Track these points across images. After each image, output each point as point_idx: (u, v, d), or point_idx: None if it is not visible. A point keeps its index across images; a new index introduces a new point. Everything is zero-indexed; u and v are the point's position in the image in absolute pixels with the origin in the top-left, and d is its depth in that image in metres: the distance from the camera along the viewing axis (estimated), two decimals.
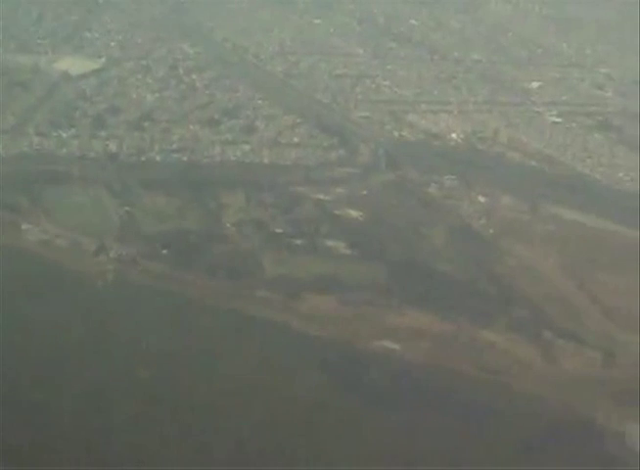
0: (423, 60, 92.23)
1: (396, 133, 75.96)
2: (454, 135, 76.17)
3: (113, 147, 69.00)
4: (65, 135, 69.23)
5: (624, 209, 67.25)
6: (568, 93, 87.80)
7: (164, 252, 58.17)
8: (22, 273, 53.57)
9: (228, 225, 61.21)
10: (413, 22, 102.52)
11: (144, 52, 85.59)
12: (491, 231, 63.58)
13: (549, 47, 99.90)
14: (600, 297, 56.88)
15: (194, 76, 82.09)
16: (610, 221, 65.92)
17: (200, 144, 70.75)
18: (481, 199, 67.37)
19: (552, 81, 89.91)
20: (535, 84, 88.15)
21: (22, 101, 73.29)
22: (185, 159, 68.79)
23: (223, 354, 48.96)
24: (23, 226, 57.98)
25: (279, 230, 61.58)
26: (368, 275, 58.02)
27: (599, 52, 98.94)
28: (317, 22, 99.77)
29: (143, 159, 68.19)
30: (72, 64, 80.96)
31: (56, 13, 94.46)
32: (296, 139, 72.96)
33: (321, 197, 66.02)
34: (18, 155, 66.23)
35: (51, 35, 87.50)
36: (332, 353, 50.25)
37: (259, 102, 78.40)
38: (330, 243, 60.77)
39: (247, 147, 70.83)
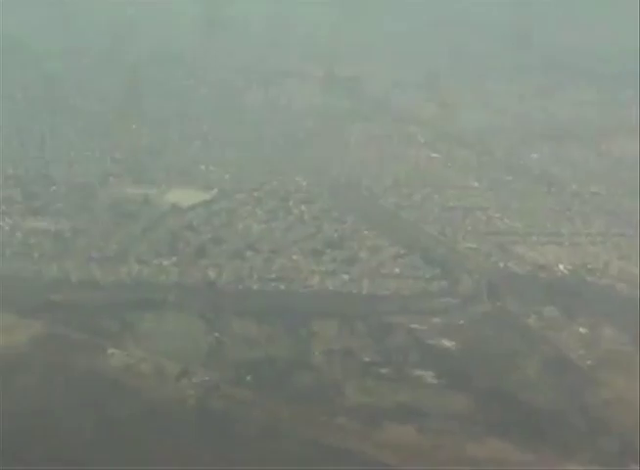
0: (539, 192, 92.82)
1: (502, 264, 76.22)
2: (561, 266, 75.95)
3: (211, 275, 71.44)
4: (165, 263, 72.35)
5: None
6: None
7: (248, 378, 59.67)
8: (101, 397, 55.99)
9: (316, 353, 62.40)
10: (534, 155, 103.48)
11: (257, 184, 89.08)
12: (589, 362, 62.81)
13: None
14: None
15: (303, 208, 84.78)
16: None
17: (299, 274, 72.56)
18: (582, 330, 66.74)
19: None
20: None
21: (127, 231, 77.33)
22: (282, 288, 70.53)
23: None
24: (110, 350, 60.66)
25: (367, 359, 62.39)
26: (453, 405, 58.15)
27: None
28: (435, 155, 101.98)
29: (240, 287, 70.30)
30: (183, 195, 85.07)
31: (175, 147, 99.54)
32: (397, 270, 74.11)
33: (415, 326, 66.76)
34: (115, 282, 69.60)
35: (167, 168, 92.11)
36: None
37: (366, 233, 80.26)
38: (418, 372, 61.29)
39: (346, 277, 72.25)
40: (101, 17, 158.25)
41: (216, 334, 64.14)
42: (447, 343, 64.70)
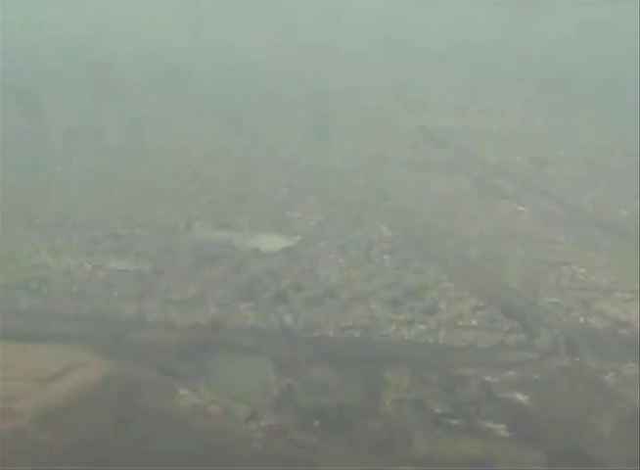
0: (627, 249, 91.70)
1: (582, 320, 75.58)
2: None
3: (288, 321, 72.38)
4: (242, 307, 73.44)
5: None
6: None
7: (316, 423, 60.31)
8: (169, 437, 57.07)
9: (387, 402, 62.69)
10: (623, 212, 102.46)
11: (341, 232, 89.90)
12: None
13: None
14: None
15: (385, 257, 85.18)
16: None
17: (376, 323, 73.02)
18: None
19: None
20: None
21: (207, 274, 78.71)
22: (358, 336, 71.14)
23: None
24: (181, 391, 61.79)
25: (438, 410, 62.49)
26: (523, 459, 57.72)
27: None
28: (521, 209, 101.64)
29: (316, 334, 71.10)
30: (266, 241, 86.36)
31: (261, 192, 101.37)
32: (475, 322, 73.96)
33: (489, 379, 66.45)
34: (192, 324, 71.00)
35: (251, 213, 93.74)
36: None
37: (446, 284, 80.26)
38: (489, 425, 61.01)
39: (423, 327, 72.50)
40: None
41: (288, 379, 64.82)
42: (521, 396, 64.26)
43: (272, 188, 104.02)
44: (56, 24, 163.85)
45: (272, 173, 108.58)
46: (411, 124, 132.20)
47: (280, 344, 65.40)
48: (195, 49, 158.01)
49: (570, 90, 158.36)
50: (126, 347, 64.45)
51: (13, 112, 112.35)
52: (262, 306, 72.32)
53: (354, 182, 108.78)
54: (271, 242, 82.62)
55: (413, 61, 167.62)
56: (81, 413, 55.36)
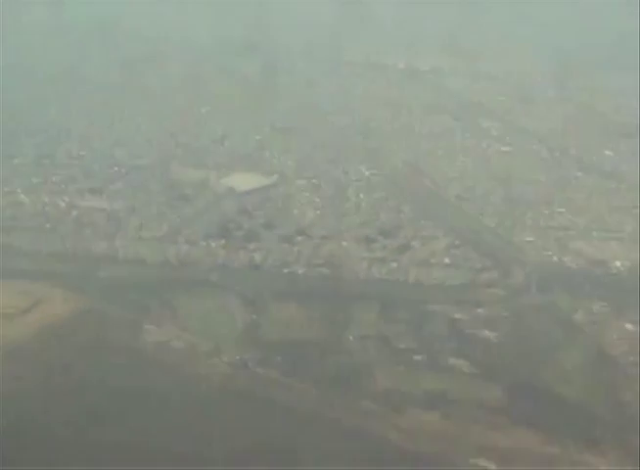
0: (608, 189, 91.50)
1: (556, 258, 75.56)
2: (618, 263, 74.98)
3: (258, 258, 72.43)
4: (213, 245, 73.53)
5: None
6: None
7: (278, 359, 60.56)
8: (130, 369, 57.59)
9: (351, 338, 62.90)
10: (608, 152, 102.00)
11: (319, 172, 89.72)
12: (631, 359, 61.97)
13: None
14: None
15: (362, 196, 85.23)
16: None
17: (347, 260, 73.08)
18: (629, 326, 65.82)
19: None
20: None
21: (180, 212, 78.79)
22: (327, 273, 71.15)
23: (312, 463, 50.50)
24: (145, 327, 62.16)
25: (402, 346, 62.66)
26: (483, 394, 58.03)
27: None
28: (505, 149, 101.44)
29: (285, 271, 71.17)
30: (242, 180, 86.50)
31: (242, 133, 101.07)
32: (447, 260, 74.08)
33: (458, 316, 66.75)
34: (162, 262, 71.15)
35: (230, 153, 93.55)
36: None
37: (422, 223, 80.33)
38: (453, 360, 61.33)
39: (394, 265, 72.54)
40: None
41: (254, 315, 65.08)
42: (489, 333, 64.54)
43: (254, 128, 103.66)
44: None
45: (255, 114, 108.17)
46: (400, 65, 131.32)
47: (248, 281, 65.35)
48: None
49: (565, 33, 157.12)
50: (96, 283, 64.70)
51: None
52: (233, 244, 72.25)
53: (337, 122, 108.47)
54: (247, 181, 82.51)
55: (406, 2, 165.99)
56: (47, 348, 55.68)
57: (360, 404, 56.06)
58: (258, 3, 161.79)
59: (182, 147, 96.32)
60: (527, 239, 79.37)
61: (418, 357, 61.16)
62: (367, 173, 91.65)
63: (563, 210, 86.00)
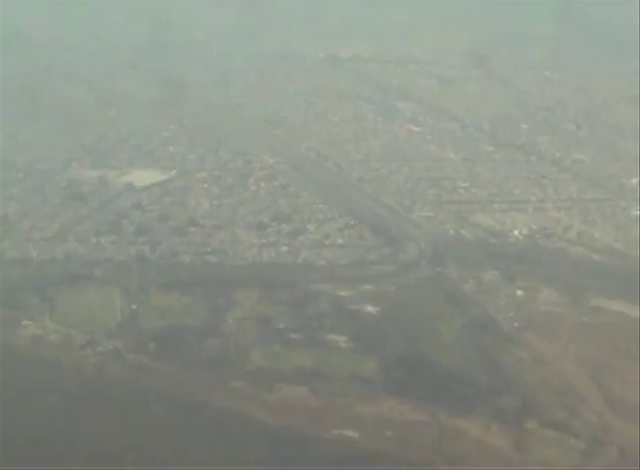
0: (518, 161, 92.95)
1: (452, 231, 76.74)
2: (516, 232, 76.30)
3: (146, 251, 73.37)
4: (103, 241, 74.43)
5: None
6: None
7: (152, 346, 61.49)
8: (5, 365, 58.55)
9: (230, 321, 63.88)
10: (524, 126, 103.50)
11: (222, 163, 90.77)
12: (515, 324, 63.18)
13: None
14: (610, 387, 55.78)
15: (262, 184, 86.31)
16: None
17: (237, 247, 74.10)
18: (519, 293, 66.97)
19: None
20: (634, 180, 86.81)
21: (74, 211, 79.73)
22: (214, 260, 72.12)
23: (175, 446, 51.35)
24: (23, 323, 63.11)
25: (281, 325, 63.67)
26: (357, 367, 59.01)
27: None
28: (416, 129, 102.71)
29: (172, 261, 72.11)
30: (140, 176, 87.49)
31: (148, 130, 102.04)
32: (340, 240, 75.13)
33: (343, 293, 67.74)
34: (48, 259, 72.04)
35: (133, 152, 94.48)
36: (284, 443, 51.55)
37: (320, 206, 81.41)
38: (331, 337, 62.32)
39: (284, 249, 73.61)
40: None
41: (133, 306, 65.94)
42: (371, 308, 65.47)
43: (160, 126, 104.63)
44: None
45: (163, 111, 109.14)
46: (321, 55, 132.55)
47: (132, 273, 66.25)
48: None
49: (492, 10, 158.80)
50: None
51: None
52: (124, 239, 73.10)
53: (247, 114, 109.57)
54: (147, 177, 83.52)
55: None
56: None
57: (230, 385, 56.82)
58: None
59: (85, 149, 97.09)
60: (426, 214, 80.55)
61: (295, 335, 62.04)
62: (271, 162, 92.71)
63: (467, 184, 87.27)
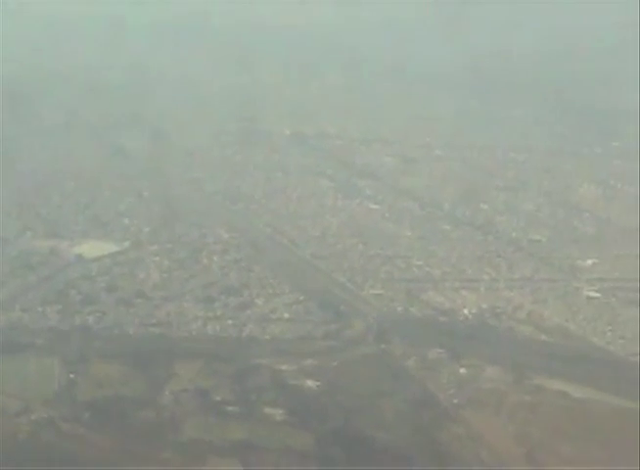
0: (474, 240, 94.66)
1: (400, 309, 78.08)
2: (465, 311, 77.65)
3: (91, 321, 74.44)
4: (49, 310, 75.50)
5: (627, 378, 66.53)
6: (623, 269, 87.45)
7: (87, 415, 62.34)
8: None
9: (167, 393, 64.79)
10: (484, 206, 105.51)
11: (176, 236, 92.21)
12: (455, 401, 64.19)
13: (627, 225, 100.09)
14: (544, 465, 56.66)
15: (215, 258, 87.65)
16: (603, 392, 65.39)
17: (183, 319, 75.28)
18: (462, 370, 68.12)
19: (611, 258, 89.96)
20: (590, 261, 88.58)
21: (23, 281, 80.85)
22: (158, 332, 73.22)
23: None
24: None
25: (218, 398, 64.62)
26: (291, 441, 59.92)
27: None
28: (375, 207, 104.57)
29: (116, 332, 73.17)
30: (92, 247, 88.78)
31: (105, 202, 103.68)
32: (287, 315, 76.37)
33: (284, 367, 68.81)
34: None
35: (89, 223, 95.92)
36: None
37: (270, 281, 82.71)
38: (267, 410, 63.25)
39: (229, 322, 74.79)
40: None
41: (71, 375, 66.81)
42: (311, 383, 66.51)
43: (118, 197, 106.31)
44: None
45: (122, 183, 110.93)
46: (286, 132, 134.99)
47: (74, 343, 67.31)
48: None
49: (460, 89, 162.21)
50: None
51: None
52: (69, 309, 74.23)
53: (206, 188, 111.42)
54: (98, 248, 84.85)
55: (294, 65, 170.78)
56: None
57: (161, 456, 57.59)
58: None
59: (40, 219, 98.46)
60: (376, 292, 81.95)
61: (232, 408, 62.96)
62: (226, 236, 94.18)
63: (420, 262, 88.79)
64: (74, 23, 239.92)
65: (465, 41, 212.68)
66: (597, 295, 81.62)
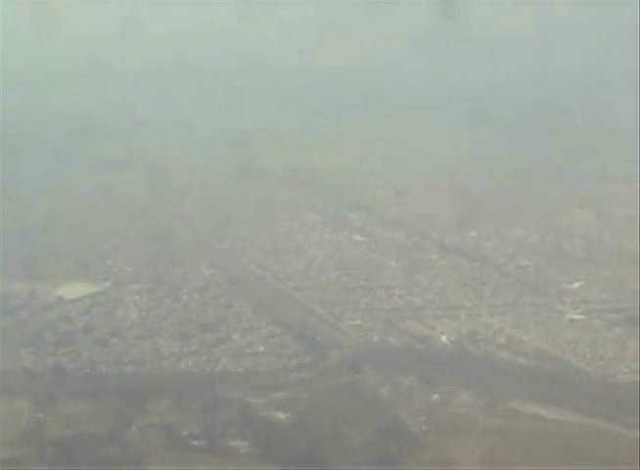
0: (460, 268, 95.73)
1: (376, 338, 79.17)
2: (444, 338, 78.58)
3: (65, 361, 75.95)
4: (23, 352, 77.15)
5: (604, 399, 67.31)
6: (609, 291, 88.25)
7: (52, 453, 63.78)
8: None
9: (133, 429, 66.12)
10: (472, 233, 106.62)
11: (157, 275, 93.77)
12: (424, 428, 65.12)
13: (617, 246, 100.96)
14: None
15: (194, 295, 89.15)
16: (578, 413, 66.24)
17: (157, 356, 76.71)
18: (435, 397, 69.09)
19: (598, 280, 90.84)
20: (577, 284, 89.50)
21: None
22: (131, 370, 74.60)
23: None
24: None
25: (185, 432, 65.88)
26: None
27: None
28: (360, 239, 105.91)
29: (88, 371, 74.64)
30: (73, 289, 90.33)
31: (90, 243, 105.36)
32: (262, 348, 77.65)
33: (255, 401, 70.04)
34: None
35: (72, 263, 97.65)
36: None
37: (248, 315, 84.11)
38: (234, 443, 64.50)
39: (204, 357, 76.13)
40: None
41: (40, 415, 68.28)
42: (281, 415, 67.67)
43: (102, 238, 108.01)
44: None
45: (106, 223, 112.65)
46: (278, 169, 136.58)
47: (47, 383, 68.87)
48: None
49: (450, 118, 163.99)
50: None
51: None
52: (43, 350, 75.81)
53: (192, 227, 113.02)
54: (78, 289, 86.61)
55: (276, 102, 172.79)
56: None
57: None
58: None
59: (20, 261, 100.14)
60: (355, 323, 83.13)
61: (197, 442, 64.22)
62: (207, 273, 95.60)
63: (403, 292, 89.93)
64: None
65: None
66: (581, 317, 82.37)
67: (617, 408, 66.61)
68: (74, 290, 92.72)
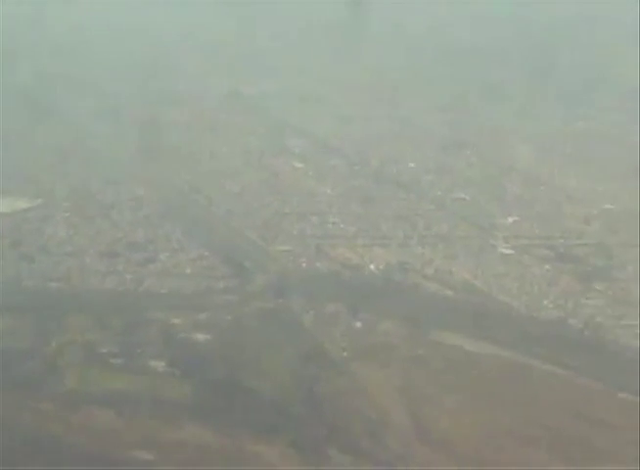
0: (396, 199, 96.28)
1: (305, 265, 79.73)
2: (372, 266, 79.26)
3: None
4: None
5: (523, 333, 68.34)
6: (543, 228, 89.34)
7: None
8: None
9: (53, 344, 66.47)
10: (411, 164, 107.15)
11: (89, 194, 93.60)
12: (345, 354, 65.92)
13: (554, 184, 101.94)
14: (423, 418, 58.39)
15: (126, 215, 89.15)
16: (497, 346, 67.23)
17: (82, 274, 76.77)
18: (358, 324, 69.81)
19: (533, 217, 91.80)
20: (510, 219, 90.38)
21: None
22: (55, 286, 74.78)
23: None
24: None
25: (104, 350, 66.32)
26: (171, 392, 61.67)
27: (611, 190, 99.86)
28: (299, 165, 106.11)
29: (14, 287, 74.70)
30: (3, 204, 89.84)
31: (27, 159, 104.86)
32: (188, 270, 77.97)
33: (175, 321, 70.47)
34: None
35: (6, 178, 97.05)
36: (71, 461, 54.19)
37: (178, 237, 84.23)
38: (151, 362, 65.03)
39: (129, 276, 76.37)
40: None
41: None
42: (201, 336, 68.22)
43: (39, 155, 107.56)
44: None
45: (45, 140, 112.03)
46: (224, 91, 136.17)
47: None
48: None
49: (406, 50, 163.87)
50: None
51: None
52: None
53: (129, 146, 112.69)
54: (9, 205, 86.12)
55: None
56: None
57: (39, 406, 59.30)
58: None
59: None
60: (284, 248, 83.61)
61: (115, 360, 64.69)
62: (141, 194, 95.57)
63: (336, 219, 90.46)
64: None
65: None
66: (511, 252, 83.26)
67: (537, 344, 67.55)
68: (5, 205, 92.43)
